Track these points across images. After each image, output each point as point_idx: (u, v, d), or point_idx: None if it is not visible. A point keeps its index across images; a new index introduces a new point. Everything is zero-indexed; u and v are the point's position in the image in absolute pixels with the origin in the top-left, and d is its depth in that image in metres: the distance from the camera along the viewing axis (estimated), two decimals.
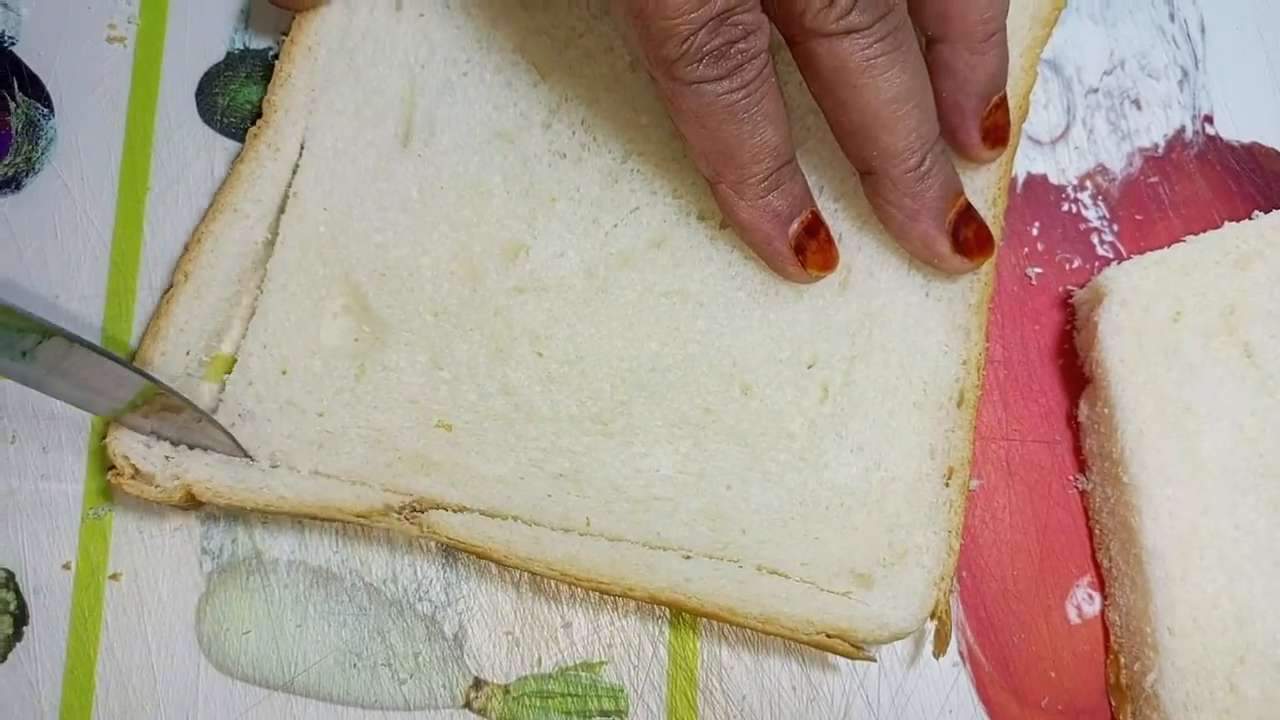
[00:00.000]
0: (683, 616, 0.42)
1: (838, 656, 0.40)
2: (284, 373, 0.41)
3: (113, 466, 0.39)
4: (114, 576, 0.41)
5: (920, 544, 0.40)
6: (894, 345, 0.42)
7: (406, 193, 0.43)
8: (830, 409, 0.41)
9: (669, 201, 0.43)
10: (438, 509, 0.39)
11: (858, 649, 0.39)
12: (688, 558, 0.39)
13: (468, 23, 0.44)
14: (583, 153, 0.43)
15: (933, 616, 0.39)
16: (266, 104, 0.43)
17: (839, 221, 0.43)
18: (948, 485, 0.41)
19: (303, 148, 0.43)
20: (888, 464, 0.41)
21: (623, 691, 0.41)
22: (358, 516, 0.39)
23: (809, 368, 0.42)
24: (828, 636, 0.38)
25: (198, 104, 0.46)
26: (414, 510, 0.39)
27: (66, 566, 0.42)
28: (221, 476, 0.39)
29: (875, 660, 0.41)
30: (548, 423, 0.41)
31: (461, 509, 0.39)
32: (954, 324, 0.42)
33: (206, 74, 0.47)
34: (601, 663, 0.42)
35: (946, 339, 0.42)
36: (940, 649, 0.40)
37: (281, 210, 0.43)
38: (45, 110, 0.46)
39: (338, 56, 0.44)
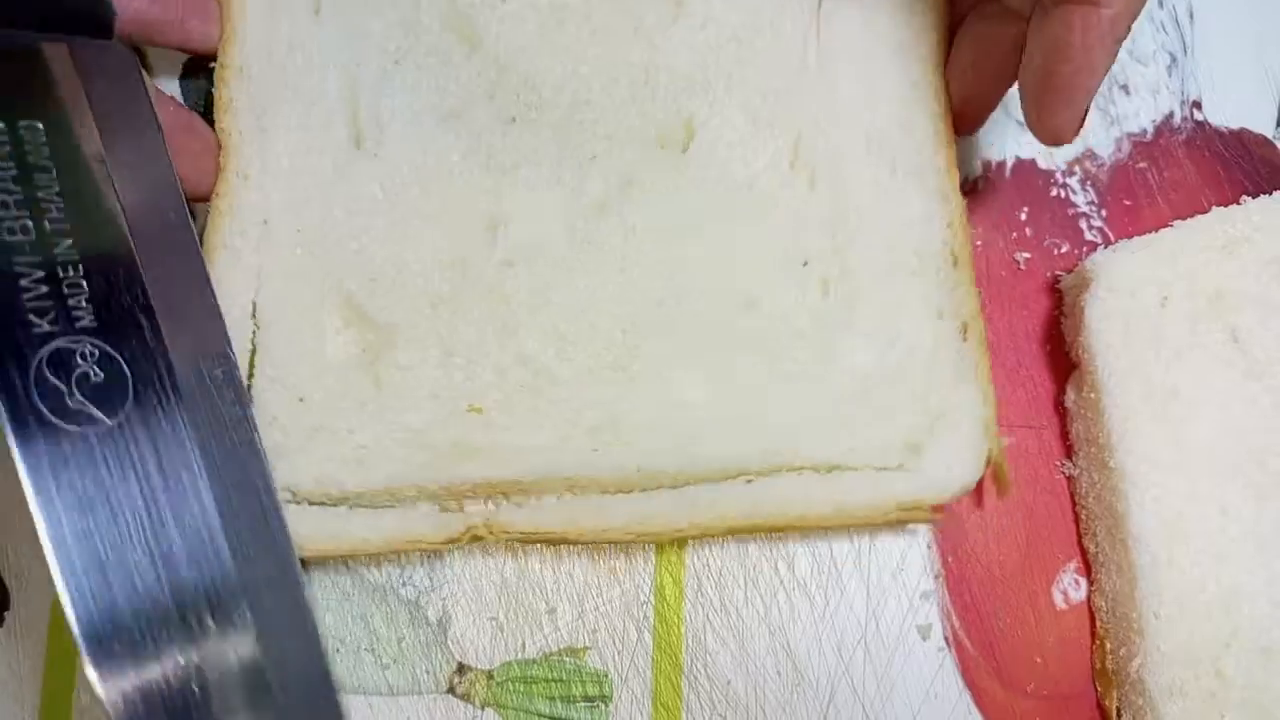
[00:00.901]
0: (667, 600, 0.42)
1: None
2: (301, 400, 0.40)
3: None
4: None
5: (956, 401, 0.41)
6: (877, 225, 0.42)
7: (371, 194, 0.42)
8: (834, 301, 0.42)
9: (625, 142, 0.43)
10: (494, 494, 0.40)
11: (933, 512, 0.40)
12: (749, 481, 0.40)
13: (391, 10, 0.43)
14: (531, 113, 0.43)
15: (988, 463, 0.40)
16: (220, 133, 0.42)
17: (793, 123, 0.43)
18: (965, 340, 0.41)
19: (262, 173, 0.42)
20: (903, 338, 0.41)
21: (607, 677, 0.41)
22: (444, 544, 0.39)
23: (804, 266, 0.42)
24: (901, 511, 0.39)
25: None
26: (487, 522, 0.39)
27: None
28: (300, 529, 0.38)
29: (943, 516, 0.42)
30: (570, 382, 0.40)
31: (517, 490, 0.39)
32: (928, 191, 0.42)
33: None
34: (586, 648, 0.41)
35: (925, 207, 0.42)
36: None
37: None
38: None
39: (270, 72, 0.42)
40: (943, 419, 0.40)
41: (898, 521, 0.40)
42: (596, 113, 0.43)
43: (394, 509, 0.40)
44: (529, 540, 0.39)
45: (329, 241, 0.41)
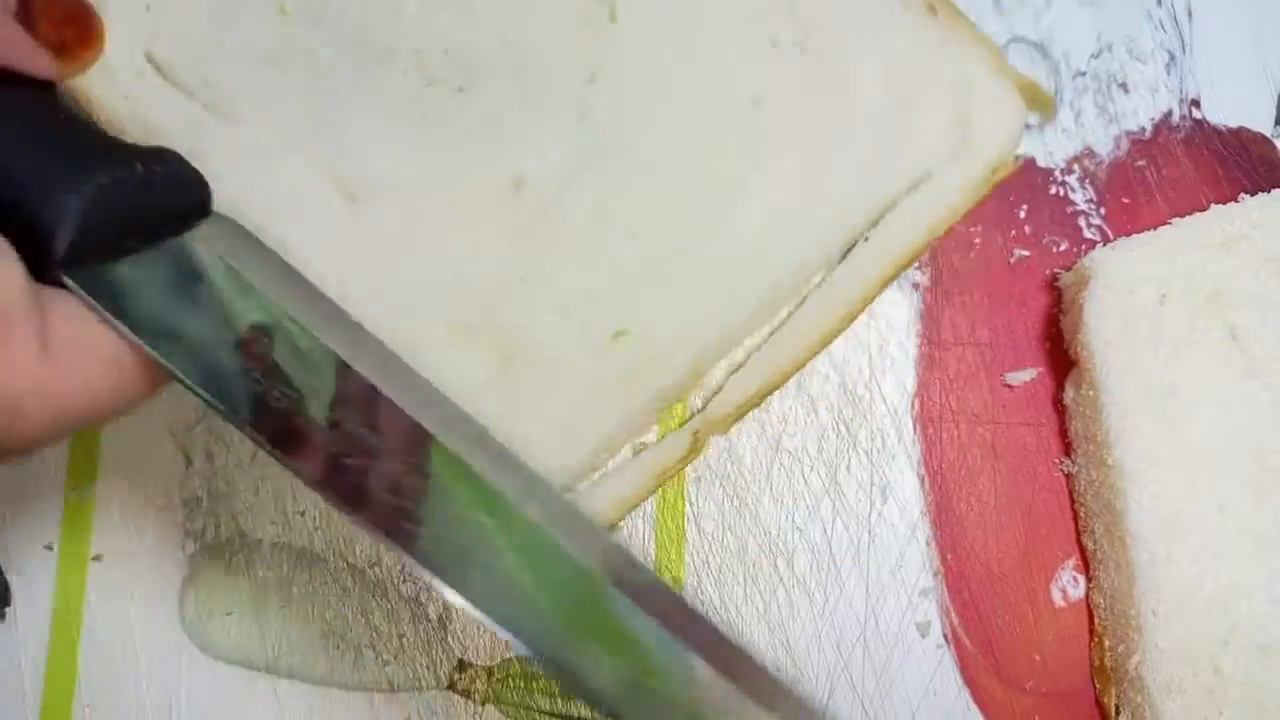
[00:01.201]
0: None
1: None
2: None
3: None
4: (96, 558, 0.41)
5: (965, 63, 0.43)
6: None
7: (399, 231, 0.41)
8: (814, 52, 0.43)
9: (563, 47, 0.43)
10: (693, 389, 0.42)
11: (1015, 162, 0.43)
12: (867, 239, 0.43)
13: (300, 78, 0.42)
14: (470, 75, 0.42)
15: (1023, 93, 0.43)
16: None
17: None
18: (937, 14, 0.43)
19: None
20: (884, 40, 0.43)
21: None
22: (688, 457, 0.42)
23: (774, 46, 0.43)
24: (993, 175, 0.43)
25: None
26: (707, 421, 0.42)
27: (49, 548, 0.41)
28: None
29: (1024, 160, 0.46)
30: (674, 252, 0.42)
31: (704, 366, 0.42)
32: None
33: None
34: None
35: None
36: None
37: None
38: None
39: (256, 209, 0.40)
40: (964, 84, 0.43)
41: (995, 187, 0.43)
42: (525, 40, 0.43)
43: (630, 458, 0.42)
44: (748, 410, 0.42)
45: (400, 291, 0.41)
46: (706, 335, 0.41)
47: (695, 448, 0.42)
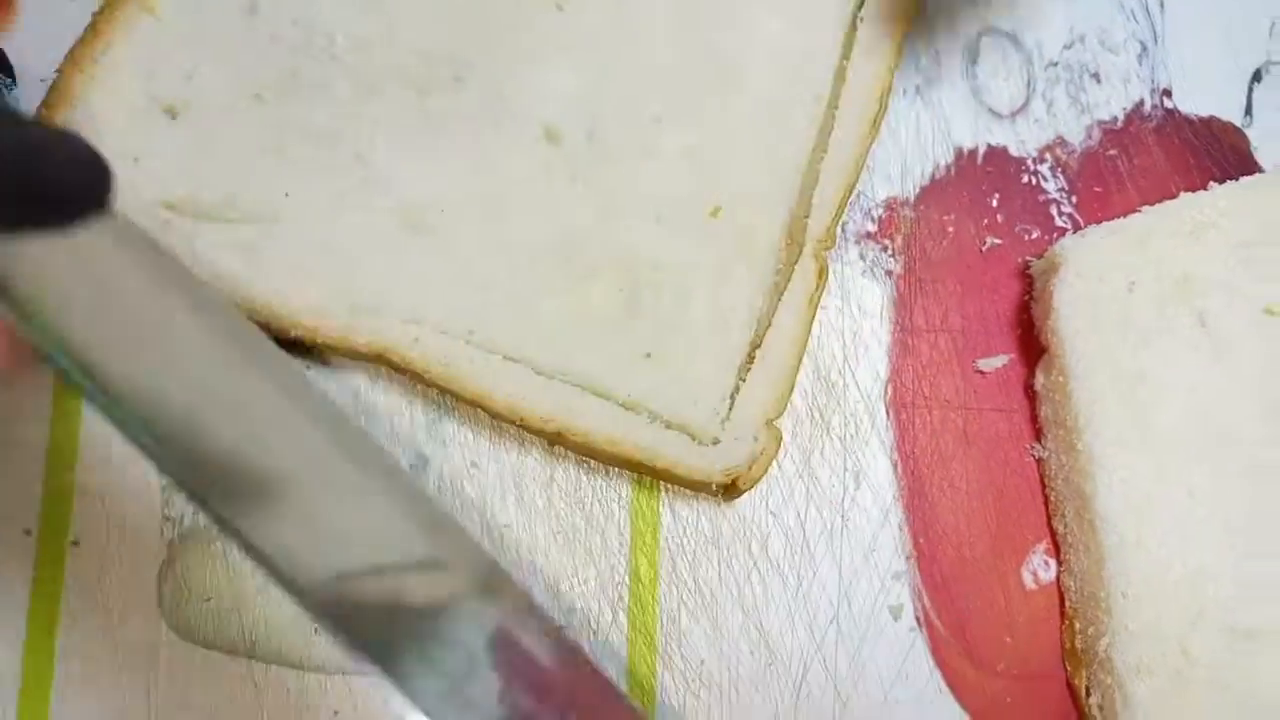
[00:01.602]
0: (642, 581, 0.42)
1: None
2: (649, 356, 0.41)
3: None
4: (75, 542, 0.42)
5: None
6: None
7: (479, 231, 0.42)
8: None
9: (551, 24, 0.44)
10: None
11: None
12: (862, 19, 0.46)
13: (313, 161, 0.43)
14: (460, 62, 0.43)
15: None
16: None
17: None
18: None
19: None
20: None
21: None
22: (820, 277, 0.43)
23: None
24: None
25: None
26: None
27: (27, 532, 0.42)
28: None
29: None
30: (710, 123, 0.44)
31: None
32: None
33: None
34: (561, 629, 0.42)
35: None
36: None
37: None
38: (8, 80, 0.46)
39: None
40: None
41: None
42: (485, 8, 0.44)
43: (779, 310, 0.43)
44: (842, 211, 0.44)
45: (510, 276, 0.42)
46: (781, 171, 0.43)
47: (821, 271, 0.43)
